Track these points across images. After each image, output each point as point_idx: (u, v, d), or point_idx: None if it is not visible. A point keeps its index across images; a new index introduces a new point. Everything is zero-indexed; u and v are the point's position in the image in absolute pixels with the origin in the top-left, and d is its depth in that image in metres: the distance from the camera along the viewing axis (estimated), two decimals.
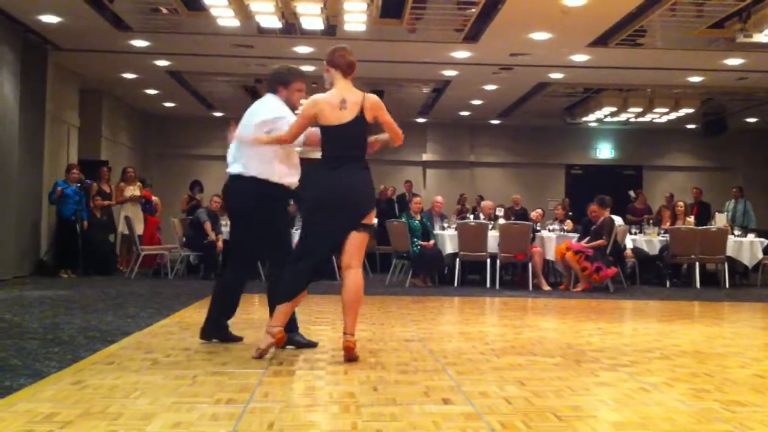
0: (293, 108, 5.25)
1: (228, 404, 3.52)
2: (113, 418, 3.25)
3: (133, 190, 12.57)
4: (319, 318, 6.92)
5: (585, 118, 16.81)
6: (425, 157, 18.98)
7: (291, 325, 5.05)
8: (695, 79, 13.16)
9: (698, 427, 3.27)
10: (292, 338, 5.05)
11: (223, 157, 18.53)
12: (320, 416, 3.36)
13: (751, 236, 12.21)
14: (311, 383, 4.08)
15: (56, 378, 4.06)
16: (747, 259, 11.93)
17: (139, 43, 11.38)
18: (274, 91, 5.24)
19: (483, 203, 13.11)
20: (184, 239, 11.88)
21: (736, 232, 12.25)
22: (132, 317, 6.68)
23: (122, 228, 12.34)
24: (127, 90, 15.19)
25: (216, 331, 5.30)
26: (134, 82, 14.36)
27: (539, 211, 12.76)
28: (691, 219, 12.72)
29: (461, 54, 11.76)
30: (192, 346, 5.15)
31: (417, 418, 3.31)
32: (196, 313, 7.05)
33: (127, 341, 5.36)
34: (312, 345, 5.17)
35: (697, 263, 11.59)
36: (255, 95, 15.22)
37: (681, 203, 12.95)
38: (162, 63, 12.76)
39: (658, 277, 12.00)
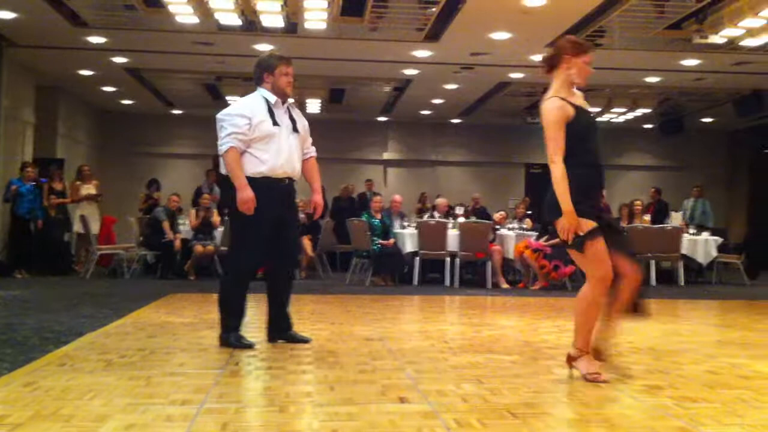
0: (282, 94, 5.21)
1: (183, 405, 3.48)
2: (65, 420, 3.20)
3: (89, 189, 12.40)
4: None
5: None
6: (386, 155, 18.99)
7: (286, 323, 5.36)
8: (653, 79, 13.34)
9: (651, 423, 3.31)
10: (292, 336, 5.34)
11: (184, 155, 18.34)
12: (276, 416, 3.34)
13: (705, 234, 12.42)
14: (268, 383, 4.05)
15: (7, 379, 3.98)
16: (702, 257, 12.14)
17: (97, 39, 11.22)
18: (260, 82, 5.24)
19: (437, 201, 13.15)
20: (141, 238, 11.75)
21: (691, 231, 12.45)
22: (87, 317, 6.58)
23: (78, 227, 12.17)
24: (85, 87, 14.97)
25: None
26: (92, 79, 14.16)
27: (502, 213, 12.84)
28: (647, 218, 12.90)
29: (422, 53, 11.79)
30: (147, 346, 5.08)
31: (374, 417, 3.30)
32: (153, 313, 7.00)
33: (81, 342, 5.28)
34: (305, 340, 5.34)
35: (653, 261, 11.75)
36: (215, 93, 15.13)
37: (638, 202, 13.12)
38: (120, 60, 12.60)
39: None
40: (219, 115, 5.15)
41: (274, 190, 5.09)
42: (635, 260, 4.17)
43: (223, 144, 5.01)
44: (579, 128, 4.15)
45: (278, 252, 5.24)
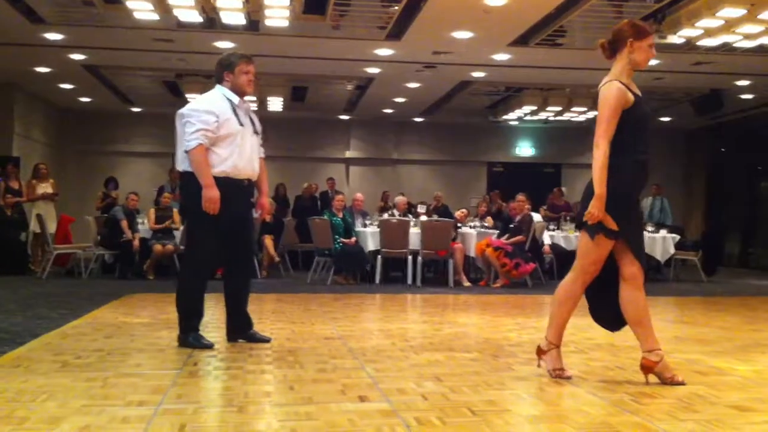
0: (242, 93, 5.18)
1: (140, 406, 3.43)
2: (19, 422, 3.14)
3: (45, 188, 12.19)
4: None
5: (506, 117, 17.05)
6: (348, 154, 18.97)
7: (246, 323, 5.32)
8: None
9: (609, 419, 3.34)
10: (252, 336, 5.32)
11: (143, 154, 18.13)
12: (234, 417, 3.31)
13: (663, 232, 12.58)
14: (227, 383, 4.01)
15: None
16: (659, 254, 12.29)
17: (54, 36, 11.03)
18: (221, 80, 5.20)
19: (396, 199, 13.17)
20: (98, 238, 11.59)
21: (649, 228, 12.61)
22: (43, 318, 6.48)
23: (34, 226, 11.96)
24: (42, 84, 14.71)
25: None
26: (49, 76, 13.92)
27: (464, 211, 12.89)
28: None
29: (385, 51, 11.78)
30: (104, 347, 5.01)
31: (333, 417, 3.29)
32: (110, 314, 6.90)
33: (36, 343, 5.19)
34: (266, 340, 5.33)
35: None
36: (175, 90, 14.98)
37: None
38: (78, 57, 12.40)
39: None
40: (184, 111, 5.06)
41: (234, 191, 5.05)
42: (641, 263, 4.10)
43: (192, 140, 4.93)
44: (636, 118, 4.06)
45: (235, 252, 5.21)
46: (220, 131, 5.00)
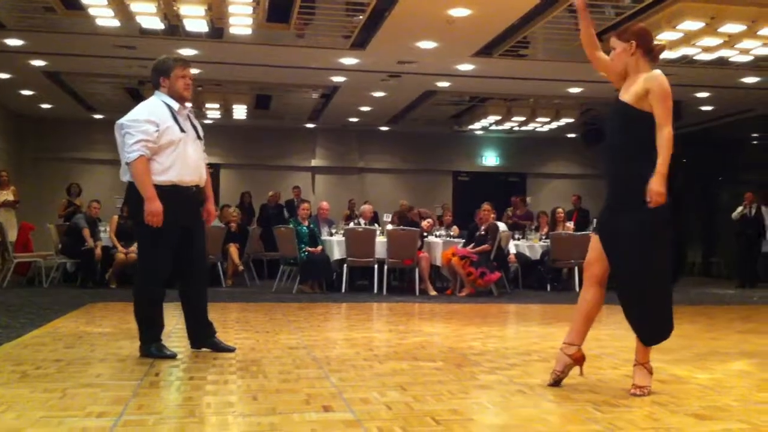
0: (180, 98, 5.11)
1: (99, 417, 3.38)
2: None
3: (6, 195, 12.00)
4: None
5: (471, 126, 17.15)
6: (314, 162, 18.94)
7: (209, 330, 5.29)
8: (575, 90, 13.62)
9: (570, 427, 3.36)
10: (215, 344, 5.29)
11: (105, 161, 17.83)
12: (196, 428, 3.28)
13: None
14: (189, 394, 3.97)
15: None
16: None
17: (14, 42, 10.88)
18: (158, 86, 5.14)
19: (363, 207, 13.18)
20: (60, 246, 11.43)
21: None
22: (2, 327, 6.37)
23: None
24: (1, 91, 14.49)
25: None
26: (8, 83, 13.72)
27: (429, 221, 12.92)
28: (570, 225, 13.14)
29: (349, 60, 11.79)
30: (64, 357, 4.94)
31: (296, 427, 3.27)
32: (71, 323, 6.81)
33: None
34: (230, 350, 5.29)
35: (577, 267, 11.97)
36: (138, 97, 14.84)
37: (561, 210, 13.35)
38: (38, 63, 12.24)
39: (539, 282, 12.35)
40: (124, 121, 4.97)
41: (182, 199, 5.00)
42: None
43: (133, 152, 4.85)
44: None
45: (189, 260, 5.15)
46: (162, 140, 4.92)
